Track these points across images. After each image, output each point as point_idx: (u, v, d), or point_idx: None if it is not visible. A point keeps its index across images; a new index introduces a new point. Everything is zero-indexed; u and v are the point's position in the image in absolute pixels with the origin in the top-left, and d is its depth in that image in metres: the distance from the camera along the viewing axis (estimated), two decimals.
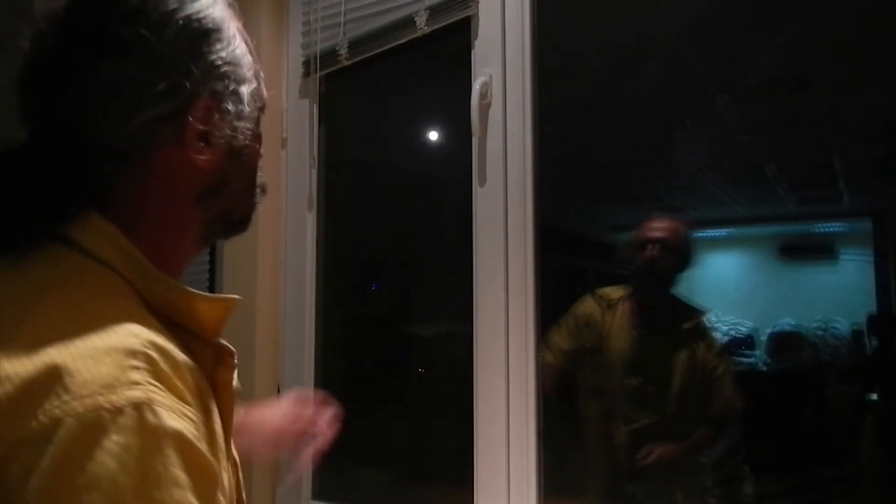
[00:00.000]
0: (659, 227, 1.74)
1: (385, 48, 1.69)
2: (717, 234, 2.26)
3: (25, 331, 0.48)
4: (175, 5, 0.57)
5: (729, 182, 2.06)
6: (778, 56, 1.77)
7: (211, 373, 0.59)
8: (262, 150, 0.68)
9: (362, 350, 1.91)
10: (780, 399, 1.98)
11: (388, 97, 1.97)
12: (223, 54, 0.60)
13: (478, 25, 1.53)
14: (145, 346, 0.48)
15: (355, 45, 1.75)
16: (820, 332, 1.97)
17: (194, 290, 0.59)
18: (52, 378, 0.45)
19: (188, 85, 0.57)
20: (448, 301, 1.90)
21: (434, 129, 2.03)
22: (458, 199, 1.61)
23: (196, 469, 0.47)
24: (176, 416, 0.47)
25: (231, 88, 0.61)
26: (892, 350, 1.75)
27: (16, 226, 0.54)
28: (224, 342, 0.62)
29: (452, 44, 1.58)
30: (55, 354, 0.46)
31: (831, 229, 2.01)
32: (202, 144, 0.60)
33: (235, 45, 0.62)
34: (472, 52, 1.54)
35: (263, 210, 0.77)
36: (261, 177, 0.69)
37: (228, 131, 0.61)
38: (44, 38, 0.57)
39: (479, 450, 1.45)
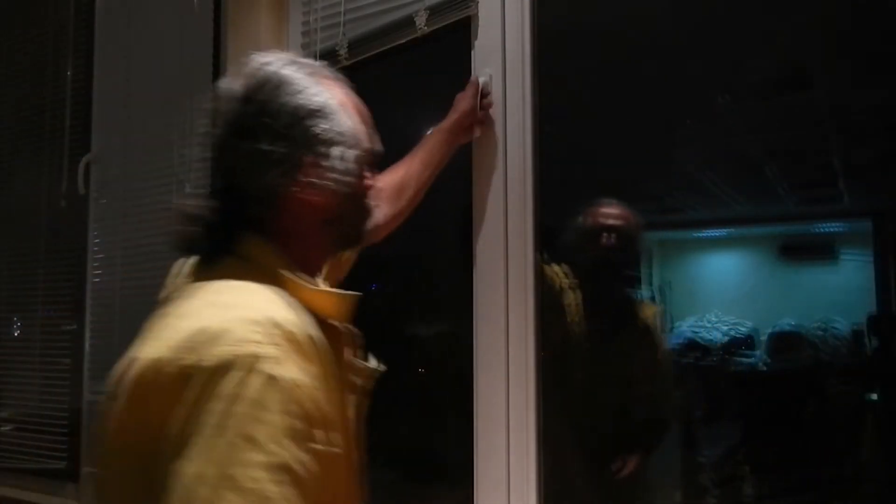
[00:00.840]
0: (614, 215, 1.69)
1: (385, 48, 1.69)
2: (717, 234, 2.26)
3: (197, 302, 0.79)
4: (286, 99, 0.86)
5: (729, 182, 2.06)
6: (778, 56, 1.77)
7: (340, 350, 0.89)
8: (370, 183, 0.95)
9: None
10: (779, 399, 1.98)
11: (388, 97, 1.97)
12: (324, 126, 0.87)
13: (478, 25, 1.53)
14: (268, 320, 0.73)
15: (355, 45, 1.75)
16: (820, 332, 1.97)
17: (326, 289, 0.89)
18: (204, 334, 0.71)
19: (297, 151, 0.86)
20: (448, 301, 1.90)
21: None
22: (457, 199, 1.61)
23: (290, 403, 0.70)
24: (284, 368, 0.71)
25: (329, 150, 0.88)
26: (892, 350, 1.75)
27: (211, 245, 0.86)
28: (350, 327, 0.93)
29: (452, 44, 1.58)
30: (208, 321, 0.73)
31: (831, 229, 2.01)
32: (312, 190, 0.87)
33: (336, 119, 0.89)
34: (472, 52, 1.54)
35: None
36: (369, 203, 0.95)
37: (330, 182, 0.87)
38: (215, 126, 0.88)
39: (478, 450, 1.45)
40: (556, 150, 1.62)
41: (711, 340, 2.14)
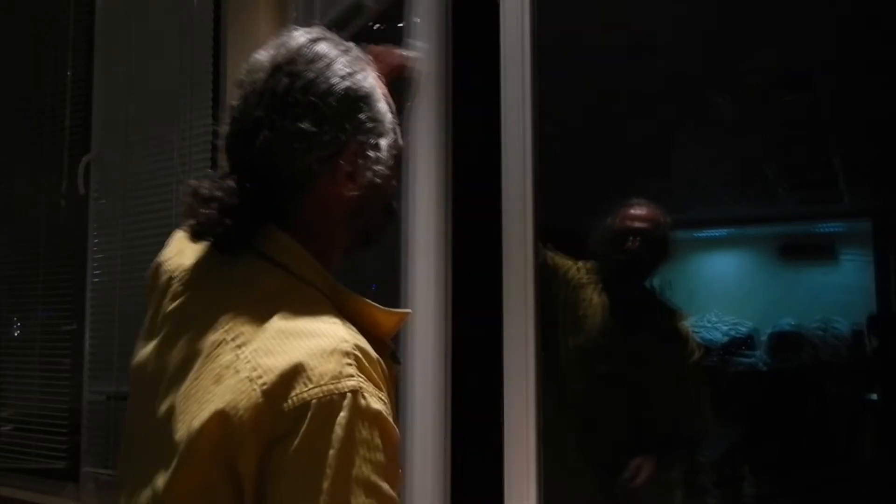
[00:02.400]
0: (641, 217, 1.65)
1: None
2: (717, 234, 2.26)
3: (269, 332, 0.70)
4: (336, 80, 0.79)
5: (729, 182, 2.06)
6: (778, 56, 1.77)
7: (390, 368, 0.80)
8: (395, 184, 0.89)
9: None
10: (779, 399, 1.98)
11: None
12: (370, 114, 0.82)
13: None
14: (354, 349, 0.70)
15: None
16: (820, 332, 1.97)
17: (375, 304, 0.82)
18: (298, 372, 0.66)
19: (342, 137, 0.79)
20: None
21: None
22: (457, 198, 1.60)
23: (388, 438, 0.69)
24: (376, 400, 0.68)
25: (373, 141, 0.82)
26: (893, 350, 1.75)
27: (230, 233, 0.77)
28: (392, 343, 0.85)
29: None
30: (297, 354, 0.67)
31: (831, 229, 2.01)
32: (349, 181, 0.80)
33: (380, 108, 0.83)
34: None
35: None
36: (392, 203, 0.90)
37: (369, 173, 0.81)
38: (247, 101, 0.79)
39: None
40: (556, 150, 1.62)
41: (711, 340, 2.14)
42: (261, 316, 0.72)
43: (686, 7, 1.75)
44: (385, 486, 0.67)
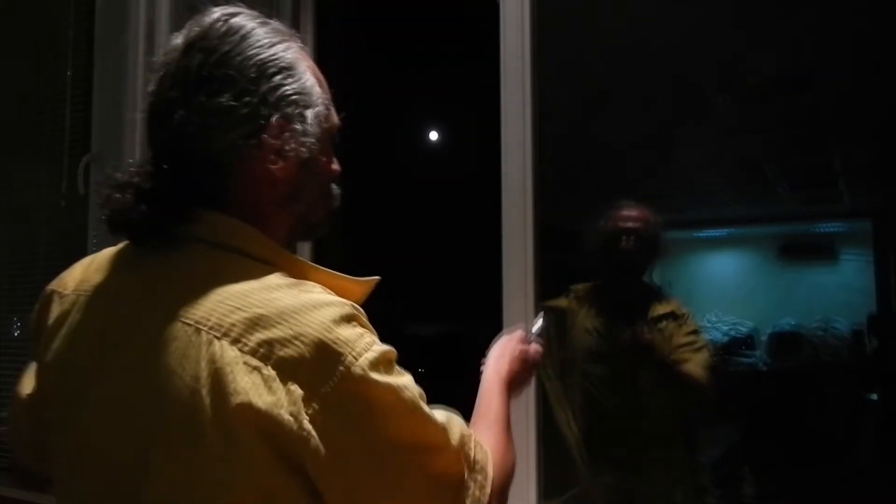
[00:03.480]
0: (632, 217, 1.69)
1: None
2: (717, 234, 2.26)
3: (268, 308, 0.67)
4: (253, 52, 0.76)
5: (729, 182, 2.06)
6: (778, 56, 1.77)
7: None
8: (336, 168, 0.84)
9: None
10: (780, 399, 1.98)
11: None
12: (294, 86, 0.77)
13: None
14: (356, 311, 0.70)
15: None
16: (820, 332, 1.97)
17: (341, 274, 0.79)
18: (328, 348, 0.65)
19: (264, 110, 0.74)
20: (446, 301, 1.90)
21: (433, 129, 2.03)
22: (457, 199, 1.61)
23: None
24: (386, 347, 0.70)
25: (298, 112, 0.77)
26: (893, 350, 1.75)
27: (149, 223, 0.72)
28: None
29: None
30: (317, 330, 0.65)
31: (831, 229, 2.01)
32: (277, 157, 0.75)
33: (305, 79, 0.79)
34: None
35: None
36: (335, 188, 0.85)
37: (296, 146, 0.76)
38: (161, 83, 0.75)
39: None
40: (556, 150, 1.62)
41: (711, 340, 2.14)
42: (243, 304, 0.67)
43: (686, 8, 1.75)
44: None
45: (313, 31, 1.89)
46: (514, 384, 1.03)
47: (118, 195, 0.72)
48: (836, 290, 1.95)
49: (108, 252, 0.82)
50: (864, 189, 1.93)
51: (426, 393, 0.78)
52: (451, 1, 1.97)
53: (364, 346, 0.66)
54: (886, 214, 1.81)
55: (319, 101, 0.79)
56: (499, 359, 1.04)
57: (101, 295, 0.77)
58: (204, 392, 0.64)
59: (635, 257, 1.67)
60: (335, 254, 1.87)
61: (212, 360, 0.65)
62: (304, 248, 1.82)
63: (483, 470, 0.76)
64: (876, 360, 1.85)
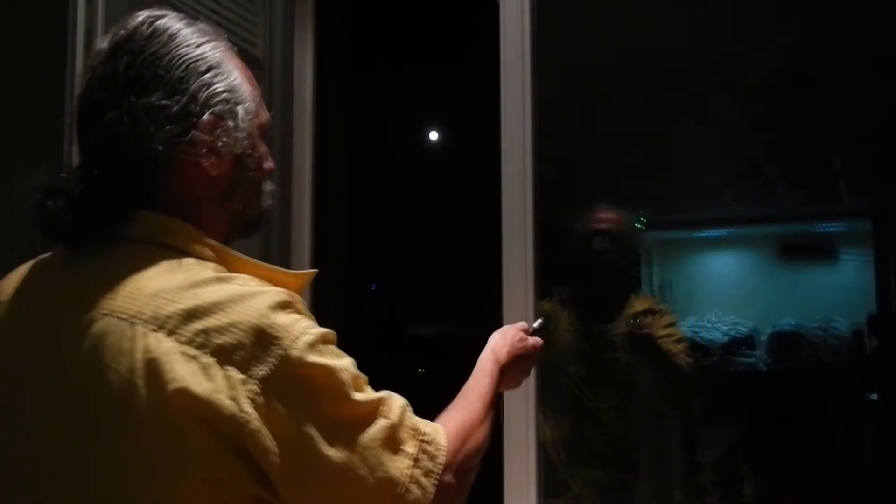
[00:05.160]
0: (604, 219, 1.73)
1: None
2: (717, 234, 2.26)
3: (205, 309, 0.67)
4: (181, 51, 0.77)
5: (729, 182, 2.07)
6: (778, 56, 1.77)
7: None
8: (269, 165, 0.86)
9: (360, 349, 1.90)
10: (780, 399, 1.98)
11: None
12: (223, 84, 0.78)
13: None
14: (291, 298, 0.72)
15: None
16: (820, 332, 1.97)
17: (279, 268, 0.79)
18: (265, 333, 0.67)
19: (194, 108, 0.75)
20: (446, 301, 1.90)
21: (433, 129, 2.03)
22: (457, 199, 1.61)
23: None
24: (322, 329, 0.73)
25: (229, 108, 0.78)
26: (893, 350, 1.75)
27: (83, 227, 0.72)
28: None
29: None
30: (253, 317, 0.67)
31: (831, 229, 2.01)
32: (210, 153, 0.77)
33: (233, 77, 0.80)
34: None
35: None
36: (269, 185, 0.86)
37: (229, 141, 0.78)
38: (89, 86, 0.76)
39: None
40: (556, 150, 1.62)
41: (711, 340, 2.14)
42: (178, 298, 0.68)
43: (686, 7, 1.75)
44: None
45: (313, 30, 1.90)
46: (510, 369, 1.05)
47: (50, 202, 0.72)
48: (836, 290, 1.95)
49: (43, 258, 0.81)
50: (864, 189, 1.94)
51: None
52: (451, 1, 1.97)
53: (301, 329, 0.69)
54: (886, 214, 1.81)
55: (249, 97, 0.81)
56: (499, 343, 1.06)
57: (35, 299, 0.77)
58: (140, 382, 0.64)
59: (608, 257, 1.71)
60: (335, 254, 1.87)
61: (147, 351, 0.65)
62: (304, 249, 1.82)
63: (434, 441, 0.76)
64: (876, 360, 1.85)
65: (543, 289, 1.46)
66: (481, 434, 0.88)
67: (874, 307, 1.80)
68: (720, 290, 2.22)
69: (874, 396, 1.87)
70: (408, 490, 0.72)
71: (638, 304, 1.72)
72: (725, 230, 2.24)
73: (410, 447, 0.74)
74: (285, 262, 1.82)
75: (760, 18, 1.69)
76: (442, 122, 2.00)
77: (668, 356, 1.66)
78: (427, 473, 0.74)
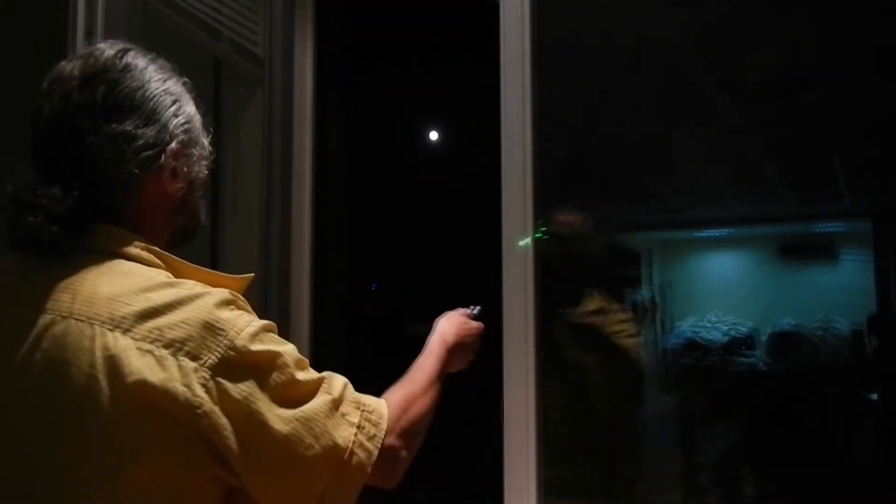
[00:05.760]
0: (557, 221, 1.75)
1: None
2: (717, 234, 2.26)
3: (153, 300, 0.76)
4: (153, 85, 0.86)
5: (729, 182, 2.06)
6: (778, 56, 1.77)
7: None
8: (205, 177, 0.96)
9: (360, 349, 1.91)
10: (779, 399, 1.98)
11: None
12: (184, 115, 0.89)
13: None
14: (234, 297, 0.81)
15: None
16: (820, 332, 1.97)
17: (220, 273, 0.87)
18: (212, 327, 0.75)
19: (165, 136, 0.86)
20: (446, 301, 1.89)
21: (433, 129, 2.03)
22: (457, 199, 1.61)
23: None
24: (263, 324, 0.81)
25: (189, 137, 0.90)
26: (893, 350, 1.75)
27: (57, 239, 0.78)
28: None
29: None
30: (200, 313, 0.75)
31: (831, 229, 2.01)
32: (172, 177, 0.88)
33: (191, 109, 0.91)
34: None
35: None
36: (203, 199, 0.97)
37: (193, 168, 0.90)
38: (63, 109, 0.83)
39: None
40: (556, 150, 1.62)
41: (711, 340, 2.14)
42: (132, 301, 0.75)
43: (686, 7, 1.75)
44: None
45: (313, 31, 1.90)
46: (458, 350, 1.18)
47: (31, 217, 0.78)
48: (836, 290, 1.95)
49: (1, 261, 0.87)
50: (864, 189, 1.93)
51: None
52: (451, 1, 1.97)
53: (244, 322, 0.78)
54: (886, 214, 1.81)
55: (199, 126, 0.93)
56: (445, 326, 1.20)
57: None
58: (100, 377, 0.71)
59: (556, 260, 1.76)
60: (335, 254, 1.87)
61: (105, 348, 0.72)
62: (304, 249, 1.82)
63: (376, 411, 0.86)
64: (876, 360, 1.85)
65: (544, 288, 1.46)
66: (423, 403, 0.97)
67: (874, 307, 1.80)
68: (720, 290, 2.22)
69: (874, 396, 1.87)
70: (353, 453, 0.80)
71: (589, 304, 1.74)
72: (725, 230, 2.24)
73: (353, 417, 0.82)
74: (285, 262, 1.82)
75: (760, 18, 1.69)
76: (442, 122, 2.00)
77: (619, 350, 1.70)
78: (370, 438, 0.82)
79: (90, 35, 1.60)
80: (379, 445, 0.83)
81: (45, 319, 0.76)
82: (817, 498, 1.68)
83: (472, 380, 1.47)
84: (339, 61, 2.00)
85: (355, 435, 0.81)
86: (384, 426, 0.85)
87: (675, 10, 1.74)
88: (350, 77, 1.90)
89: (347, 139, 1.99)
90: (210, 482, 0.75)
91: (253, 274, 0.92)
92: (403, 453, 0.88)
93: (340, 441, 0.79)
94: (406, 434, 0.89)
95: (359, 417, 0.82)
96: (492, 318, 1.45)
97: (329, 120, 1.92)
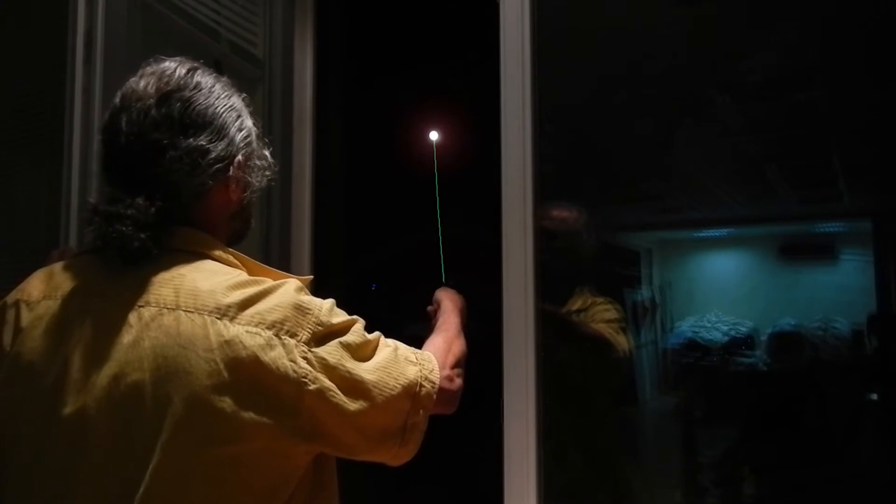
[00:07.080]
0: (549, 216, 1.74)
1: None
2: (717, 234, 2.26)
3: (248, 293, 0.88)
4: (221, 102, 0.96)
5: (729, 182, 2.06)
6: (778, 56, 1.77)
7: None
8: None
9: None
10: (779, 399, 1.98)
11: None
12: (246, 130, 1.00)
13: None
14: (304, 290, 0.94)
15: None
16: (820, 332, 1.97)
17: (282, 272, 0.98)
18: (301, 308, 0.90)
19: (232, 149, 0.97)
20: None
21: (433, 130, 2.03)
22: (457, 199, 1.61)
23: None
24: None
25: (252, 150, 1.01)
26: (893, 350, 1.75)
27: (139, 244, 0.87)
28: None
29: None
30: (288, 298, 0.90)
31: (831, 229, 2.01)
32: (237, 187, 0.99)
33: (250, 124, 1.01)
34: None
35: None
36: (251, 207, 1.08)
37: (254, 179, 1.02)
38: (140, 125, 0.91)
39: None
40: (556, 150, 1.62)
41: (711, 340, 2.14)
42: (229, 294, 0.87)
43: (686, 7, 1.75)
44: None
45: (312, 31, 1.90)
46: (461, 312, 1.36)
47: (123, 227, 0.87)
48: (836, 290, 1.95)
49: (70, 263, 0.99)
50: (864, 189, 1.93)
51: None
52: (451, 1, 1.97)
53: (320, 302, 0.93)
54: (886, 214, 1.81)
55: (256, 137, 1.03)
56: (450, 296, 1.40)
57: (85, 298, 0.91)
58: (217, 360, 0.81)
59: (546, 255, 1.77)
60: (335, 254, 1.87)
61: (219, 334, 0.83)
62: (304, 249, 1.82)
63: (430, 360, 1.04)
64: (876, 360, 1.85)
65: (543, 289, 1.46)
66: (459, 343, 1.19)
67: (874, 307, 1.80)
68: (720, 289, 2.22)
69: (874, 396, 1.87)
70: (421, 386, 0.97)
71: (572, 303, 1.75)
72: (725, 230, 2.24)
73: (413, 358, 1.00)
74: (285, 261, 1.82)
75: (760, 18, 1.69)
76: (442, 121, 2.00)
77: (595, 339, 1.71)
78: (430, 372, 1.00)
79: (90, 35, 1.60)
80: (438, 378, 1.00)
81: (150, 311, 0.85)
82: (817, 498, 1.67)
83: (472, 380, 1.47)
84: (338, 61, 2.00)
85: (419, 371, 0.98)
86: (436, 363, 1.02)
87: (675, 10, 1.74)
88: (350, 77, 1.90)
89: (347, 139, 1.99)
90: (303, 453, 0.87)
91: (312, 276, 1.08)
92: (457, 381, 1.09)
93: (412, 377, 0.96)
94: (454, 366, 1.09)
95: (417, 357, 1.00)
96: (492, 317, 1.46)
97: (329, 120, 1.92)
